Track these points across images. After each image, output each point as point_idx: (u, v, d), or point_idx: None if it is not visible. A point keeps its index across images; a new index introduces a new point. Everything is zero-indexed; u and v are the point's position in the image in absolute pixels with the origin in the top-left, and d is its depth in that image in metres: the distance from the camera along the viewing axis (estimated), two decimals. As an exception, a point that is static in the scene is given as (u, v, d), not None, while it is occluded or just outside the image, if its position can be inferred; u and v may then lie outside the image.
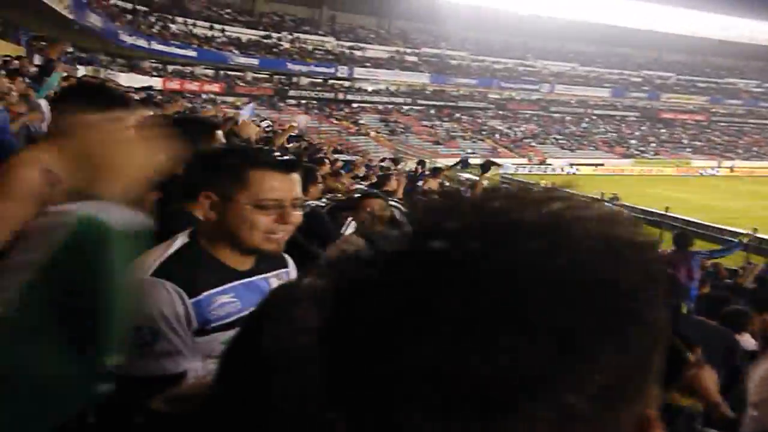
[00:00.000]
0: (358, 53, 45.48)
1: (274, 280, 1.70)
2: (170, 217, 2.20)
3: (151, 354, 1.46)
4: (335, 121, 39.84)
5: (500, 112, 48.90)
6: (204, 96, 35.71)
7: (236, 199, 1.53)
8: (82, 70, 19.95)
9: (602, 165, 41.79)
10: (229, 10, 42.18)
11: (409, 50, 48.32)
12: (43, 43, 20.76)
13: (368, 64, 44.69)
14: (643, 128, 51.26)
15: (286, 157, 1.60)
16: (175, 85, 34.94)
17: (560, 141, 46.29)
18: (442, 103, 47.20)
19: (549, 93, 51.08)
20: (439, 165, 16.01)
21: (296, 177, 1.61)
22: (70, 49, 22.84)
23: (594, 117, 51.63)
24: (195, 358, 1.52)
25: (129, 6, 34.55)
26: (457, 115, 46.69)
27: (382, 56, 46.46)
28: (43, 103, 6.22)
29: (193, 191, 2.13)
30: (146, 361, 1.45)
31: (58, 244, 0.84)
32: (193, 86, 36.69)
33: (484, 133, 44.81)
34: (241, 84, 39.53)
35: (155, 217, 2.25)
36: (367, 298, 0.39)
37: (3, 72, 7.44)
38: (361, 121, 41.24)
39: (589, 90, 52.36)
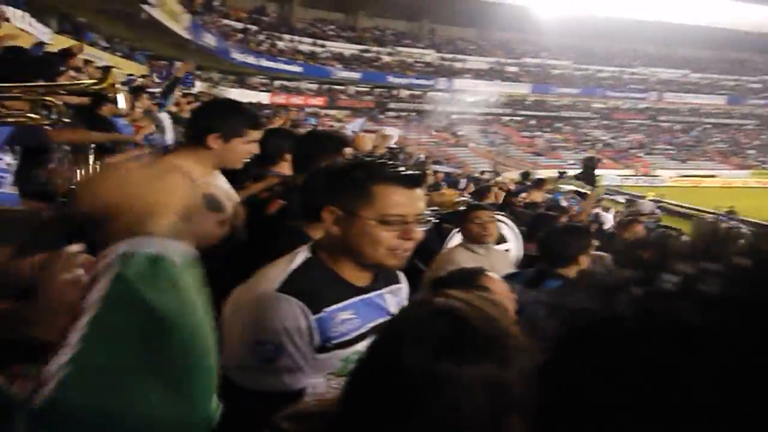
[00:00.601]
0: (457, 65, 45.38)
1: (389, 296, 1.69)
2: (285, 233, 2.25)
3: (273, 369, 1.46)
4: (434, 133, 39.91)
5: (604, 122, 47.17)
6: (308, 110, 36.89)
7: (360, 214, 1.51)
8: (197, 87, 21.11)
9: (714, 176, 39.30)
10: (332, 26, 43.35)
11: (509, 61, 47.66)
12: (163, 62, 22.24)
13: (468, 76, 44.47)
14: (762, 137, 47.77)
15: (410, 172, 1.55)
16: (281, 99, 36.29)
17: (669, 151, 44.02)
18: (543, 114, 46.15)
19: (657, 101, 48.72)
20: (542, 176, 15.47)
21: (420, 192, 1.57)
22: (198, 71, 24.38)
23: (707, 126, 48.70)
24: (314, 375, 1.52)
25: (240, 26, 36.27)
26: (559, 125, 45.48)
27: (482, 67, 46.09)
28: (165, 117, 6.63)
29: (314, 209, 2.16)
30: (268, 376, 1.46)
31: (118, 279, 0.80)
32: (298, 100, 37.99)
33: (587, 143, 43.35)
34: (343, 97, 40.50)
35: (272, 234, 2.32)
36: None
37: (127, 89, 8.00)
38: (460, 133, 41.06)
39: (701, 97, 49.44)
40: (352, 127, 10.37)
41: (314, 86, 40.26)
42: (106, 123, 4.40)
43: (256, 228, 2.60)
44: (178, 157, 2.40)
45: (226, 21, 34.54)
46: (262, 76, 37.42)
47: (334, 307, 1.54)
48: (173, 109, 7.70)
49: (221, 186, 2.52)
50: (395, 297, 1.73)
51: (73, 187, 3.26)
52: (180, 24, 21.84)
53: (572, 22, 44.17)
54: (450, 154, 34.51)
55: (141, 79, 10.69)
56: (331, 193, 1.57)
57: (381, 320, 1.62)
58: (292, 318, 1.47)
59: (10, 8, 8.72)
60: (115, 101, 1.74)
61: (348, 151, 2.75)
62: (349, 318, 1.55)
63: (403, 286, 1.80)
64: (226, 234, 2.44)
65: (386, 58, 43.31)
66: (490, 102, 42.67)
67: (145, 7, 17.28)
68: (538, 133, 43.80)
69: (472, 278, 2.06)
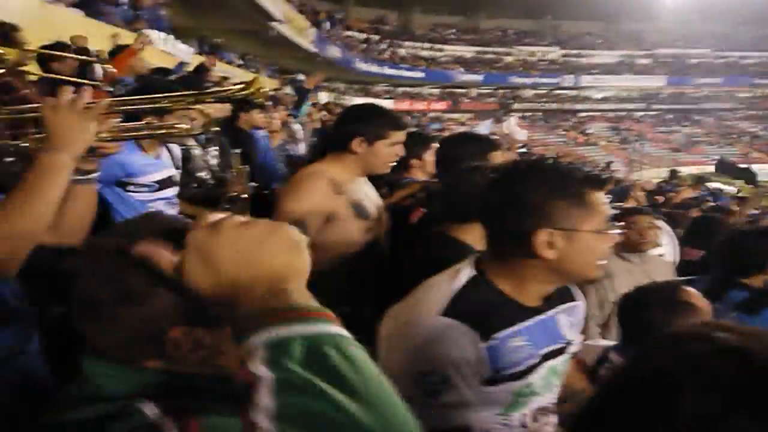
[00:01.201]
0: (584, 60, 43.59)
1: (563, 316, 1.50)
2: (433, 242, 2.13)
3: (438, 405, 1.30)
4: (562, 132, 38.60)
5: (752, 113, 43.27)
6: (431, 114, 37.02)
7: (582, 229, 1.31)
8: (323, 97, 21.82)
9: None
10: (453, 30, 43.22)
11: (641, 53, 45.04)
12: (290, 75, 23.23)
13: (596, 71, 42.57)
14: None
15: (599, 173, 1.37)
16: (404, 105, 36.75)
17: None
18: (680, 107, 43.14)
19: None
20: (698, 173, 13.94)
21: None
22: (324, 83, 25.32)
23: None
24: (483, 410, 1.36)
25: (362, 36, 37.14)
26: (699, 118, 42.32)
27: (610, 61, 43.92)
28: (298, 129, 6.82)
29: (465, 211, 2.01)
30: (432, 412, 1.29)
31: (282, 384, 0.63)
32: (421, 105, 38.31)
33: (732, 136, 39.99)
34: (465, 100, 40.28)
35: (417, 242, 2.22)
36: None
37: (270, 103, 8.39)
38: (589, 131, 39.38)
39: None
40: (480, 129, 10.12)
41: (437, 90, 40.34)
42: (246, 135, 4.54)
43: (400, 237, 2.52)
44: (323, 164, 2.38)
45: (348, 32, 35.48)
46: (385, 84, 38.09)
47: (506, 332, 1.35)
48: (305, 119, 7.95)
49: (368, 192, 2.46)
50: (569, 317, 1.53)
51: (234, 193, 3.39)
52: (306, 38, 22.75)
53: (711, 7, 40.99)
54: (579, 153, 33.15)
55: (274, 92, 11.18)
56: (537, 213, 1.31)
57: (555, 346, 1.46)
58: (460, 347, 1.30)
59: (155, 32, 9.39)
60: (262, 107, 1.66)
61: (497, 155, 2.56)
62: (522, 345, 1.37)
63: (580, 304, 1.59)
64: (371, 241, 2.39)
65: (508, 59, 42.50)
66: (621, 97, 40.62)
67: (274, 24, 18.13)
68: (676, 128, 41.01)
69: (672, 294, 1.84)
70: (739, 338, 0.68)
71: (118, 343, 0.91)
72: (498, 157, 2.54)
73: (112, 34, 7.72)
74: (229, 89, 1.55)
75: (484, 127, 10.36)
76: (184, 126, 1.64)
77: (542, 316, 1.43)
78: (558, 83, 41.80)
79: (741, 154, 36.58)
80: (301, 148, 6.62)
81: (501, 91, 41.75)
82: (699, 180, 8.38)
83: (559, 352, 1.48)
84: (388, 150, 2.36)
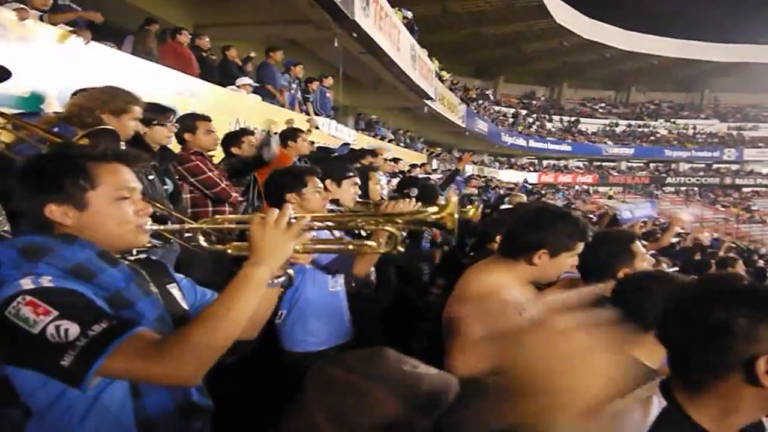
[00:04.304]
0: (747, 133, 41.01)
1: None
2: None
3: None
4: (721, 208, 36.22)
5: None
6: (577, 187, 36.41)
7: None
8: (468, 170, 22.39)
9: None
10: (603, 104, 42.69)
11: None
12: (439, 149, 24.28)
13: (762, 144, 39.85)
14: None
15: None
16: (549, 178, 36.55)
17: None
18: None
19: None
20: None
21: None
22: (475, 160, 25.92)
23: None
24: None
25: (511, 111, 37.79)
26: None
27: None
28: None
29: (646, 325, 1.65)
30: None
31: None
32: (566, 178, 37.78)
33: None
34: (614, 173, 39.18)
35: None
36: None
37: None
38: (754, 207, 36.61)
39: None
40: (640, 215, 8.61)
41: (583, 163, 39.78)
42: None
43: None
44: (493, 273, 2.22)
45: (497, 107, 36.31)
46: (530, 157, 38.14)
47: None
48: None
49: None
50: None
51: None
52: (456, 114, 23.77)
53: None
54: (743, 231, 30.96)
55: (417, 170, 11.76)
56: (750, 340, 1.16)
57: None
58: None
59: (319, 118, 10.45)
60: (452, 232, 1.65)
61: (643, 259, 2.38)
62: None
63: None
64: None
65: (662, 131, 41.05)
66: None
67: (428, 102, 19.33)
68: None
69: None
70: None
71: None
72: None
73: (287, 120, 8.32)
74: (425, 211, 1.64)
75: (644, 211, 9.10)
76: (372, 244, 1.68)
77: None
78: (719, 157, 39.53)
79: None
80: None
81: (653, 164, 40.27)
82: None
83: None
84: (569, 261, 2.19)
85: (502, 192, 15.58)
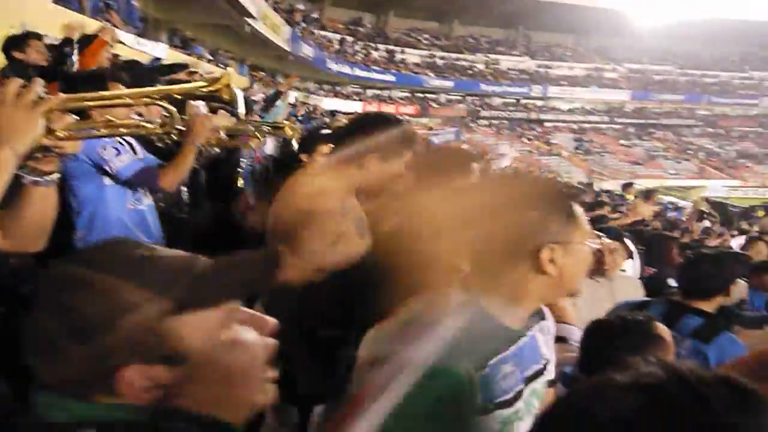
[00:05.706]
0: (553, 72, 44.57)
1: (538, 335, 1.48)
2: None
3: None
4: (526, 141, 39.38)
5: (710, 130, 44.83)
6: (399, 118, 37.28)
7: (573, 240, 1.35)
8: (291, 97, 21.86)
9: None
10: (427, 36, 43.67)
11: (608, 67, 46.26)
12: (262, 74, 23.36)
13: (564, 83, 43.58)
14: None
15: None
16: (373, 108, 36.98)
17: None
18: (642, 121, 44.46)
19: (770, 108, 45.71)
20: (650, 187, 12.67)
21: None
22: (297, 83, 25.15)
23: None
24: None
25: (337, 36, 37.32)
26: (659, 133, 43.66)
27: (578, 74, 45.01)
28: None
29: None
30: None
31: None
32: (389, 109, 38.48)
33: (689, 152, 41.38)
34: (434, 106, 40.70)
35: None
36: None
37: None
38: (553, 141, 40.30)
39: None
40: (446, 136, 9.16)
41: (406, 95, 40.71)
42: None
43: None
44: (317, 178, 2.17)
45: (323, 32, 35.65)
46: (355, 86, 38.28)
47: (496, 359, 1.31)
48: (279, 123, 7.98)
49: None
50: (544, 335, 1.51)
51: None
52: (281, 36, 22.83)
53: (676, 25, 42.33)
54: (543, 163, 34.00)
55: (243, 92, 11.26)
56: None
57: (537, 367, 1.45)
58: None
59: (123, 33, 9.36)
60: (231, 103, 1.56)
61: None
62: (511, 371, 1.33)
63: (549, 321, 1.58)
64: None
65: (480, 66, 43.17)
66: (586, 109, 41.54)
67: (249, 20, 18.24)
68: (637, 142, 42.24)
69: (645, 330, 1.83)
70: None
71: (66, 379, 0.82)
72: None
73: (80, 25, 7.49)
74: (195, 84, 1.51)
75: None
76: (149, 126, 1.55)
77: (525, 337, 1.41)
78: (527, 93, 42.55)
79: (697, 170, 37.99)
80: (267, 149, 6.51)
81: (470, 98, 42.39)
82: (648, 194, 8.40)
83: (539, 372, 1.45)
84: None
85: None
